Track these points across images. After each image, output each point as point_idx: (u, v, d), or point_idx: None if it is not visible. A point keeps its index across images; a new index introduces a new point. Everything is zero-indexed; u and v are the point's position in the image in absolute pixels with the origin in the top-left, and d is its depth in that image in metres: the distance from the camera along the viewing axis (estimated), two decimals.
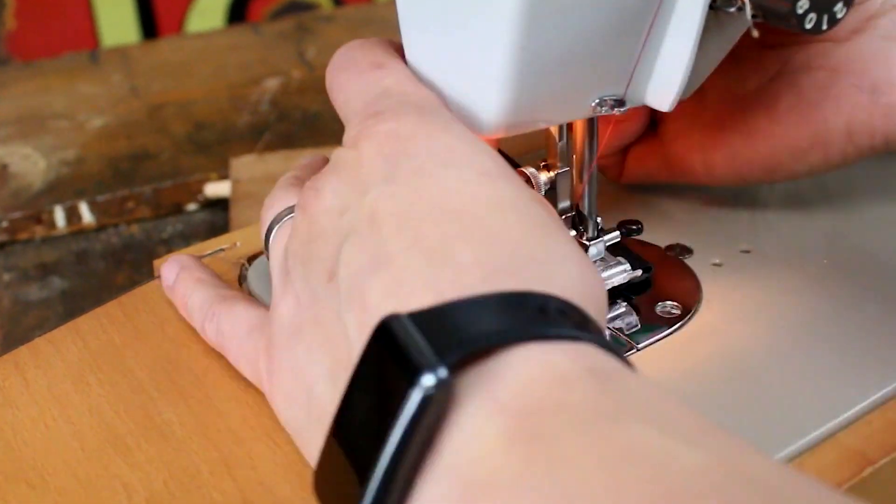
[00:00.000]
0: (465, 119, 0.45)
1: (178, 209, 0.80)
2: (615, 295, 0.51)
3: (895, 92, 0.48)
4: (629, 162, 0.58)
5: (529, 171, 0.51)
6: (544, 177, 0.51)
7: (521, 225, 0.37)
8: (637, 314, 0.50)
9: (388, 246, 0.36)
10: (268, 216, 0.46)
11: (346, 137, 0.42)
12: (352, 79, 0.43)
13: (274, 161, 0.80)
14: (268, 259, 0.45)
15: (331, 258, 0.38)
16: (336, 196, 0.39)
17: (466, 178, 0.38)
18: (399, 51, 0.45)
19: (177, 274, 0.50)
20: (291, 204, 0.45)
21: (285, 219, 0.45)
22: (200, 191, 0.80)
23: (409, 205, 0.37)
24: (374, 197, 0.38)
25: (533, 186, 0.50)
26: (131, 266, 0.74)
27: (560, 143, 0.50)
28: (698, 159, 0.54)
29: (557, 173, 0.51)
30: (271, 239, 0.44)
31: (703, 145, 0.54)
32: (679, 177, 0.56)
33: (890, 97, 0.49)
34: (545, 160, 0.51)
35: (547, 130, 0.50)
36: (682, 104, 0.54)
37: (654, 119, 0.58)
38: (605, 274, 0.51)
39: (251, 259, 0.56)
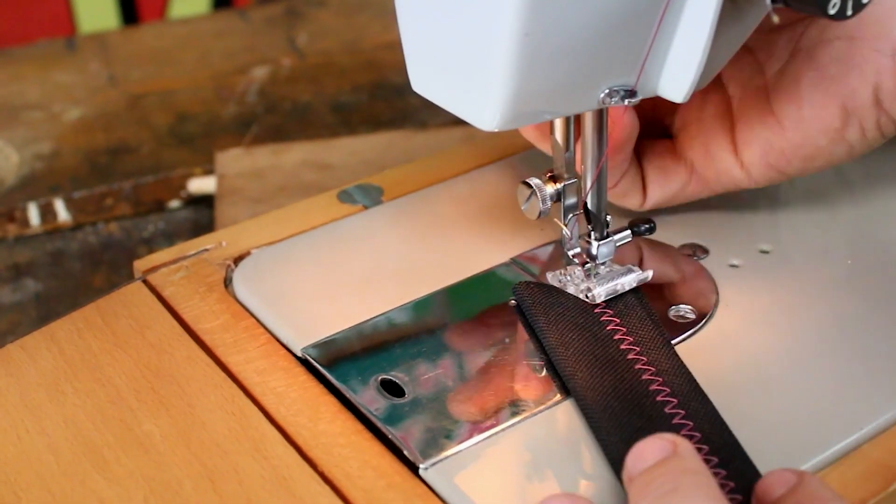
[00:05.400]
0: (467, 113, 0.45)
1: (159, 206, 0.80)
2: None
3: None
4: (650, 184, 0.55)
5: (535, 182, 0.50)
6: (550, 189, 0.51)
7: None
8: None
9: None
10: None
11: None
12: None
13: (262, 155, 0.79)
14: None
15: None
16: None
17: None
18: None
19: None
20: None
21: None
22: (184, 187, 0.80)
23: None
24: None
25: (538, 198, 0.50)
26: (110, 267, 0.74)
27: (566, 154, 0.50)
28: (731, 162, 0.53)
29: (564, 184, 0.51)
30: None
31: (733, 146, 0.53)
32: (714, 185, 0.54)
33: None
34: (551, 171, 0.51)
35: (553, 140, 0.50)
36: (701, 106, 0.54)
37: (667, 132, 0.57)
38: (614, 283, 0.50)
39: (238, 260, 0.56)
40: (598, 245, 0.50)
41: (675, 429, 0.44)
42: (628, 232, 0.51)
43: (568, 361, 0.48)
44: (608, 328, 0.49)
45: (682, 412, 0.45)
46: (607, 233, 0.51)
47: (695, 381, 0.47)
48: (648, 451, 0.41)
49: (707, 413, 0.45)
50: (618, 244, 0.51)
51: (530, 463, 0.44)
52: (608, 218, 0.51)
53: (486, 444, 0.45)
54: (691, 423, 0.45)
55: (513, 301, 0.52)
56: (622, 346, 0.48)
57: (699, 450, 0.43)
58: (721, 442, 0.44)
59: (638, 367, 0.47)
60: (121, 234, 0.77)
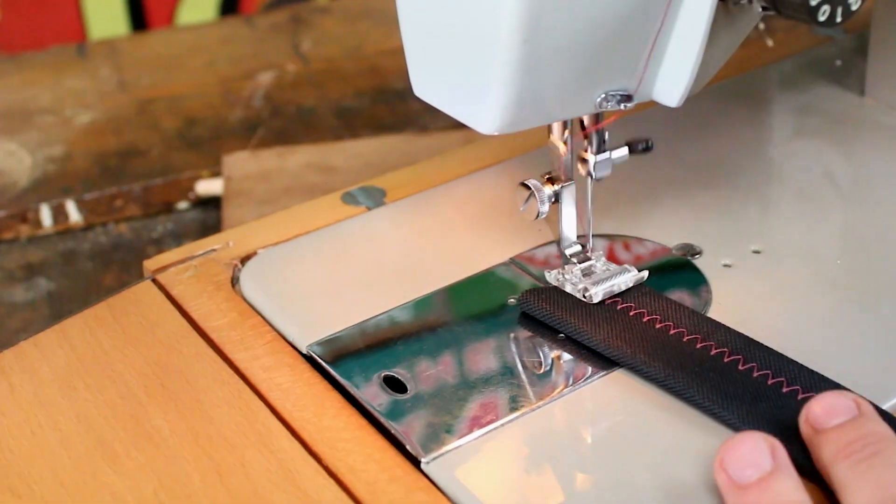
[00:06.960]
0: (467, 117, 0.45)
1: (168, 207, 0.80)
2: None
3: None
4: None
5: (533, 183, 0.51)
6: (548, 190, 0.51)
7: None
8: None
9: None
10: None
11: None
12: None
13: (268, 158, 0.80)
14: None
15: None
16: None
17: None
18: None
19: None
20: None
21: None
22: (192, 188, 0.80)
23: None
24: None
25: (536, 199, 0.50)
26: (120, 266, 0.74)
27: (565, 158, 0.50)
28: None
29: (562, 186, 0.51)
30: None
31: None
32: None
33: None
34: (549, 173, 0.51)
35: (551, 143, 0.50)
36: None
37: None
38: (612, 281, 0.50)
39: (244, 260, 0.56)
40: (595, 160, 0.49)
41: (774, 388, 0.45)
42: (626, 149, 0.50)
43: (613, 343, 0.48)
44: (631, 314, 0.49)
45: (761, 367, 0.46)
46: (604, 148, 0.49)
47: (743, 335, 0.48)
48: (841, 407, 0.41)
49: (777, 358, 0.46)
50: (615, 161, 0.50)
51: (530, 457, 0.44)
52: (605, 136, 0.49)
53: (486, 438, 0.45)
54: (780, 377, 0.46)
55: (512, 300, 0.52)
56: (657, 326, 0.48)
57: (793, 392, 0.44)
58: (808, 380, 0.45)
59: (686, 339, 0.48)
60: (131, 235, 0.78)
